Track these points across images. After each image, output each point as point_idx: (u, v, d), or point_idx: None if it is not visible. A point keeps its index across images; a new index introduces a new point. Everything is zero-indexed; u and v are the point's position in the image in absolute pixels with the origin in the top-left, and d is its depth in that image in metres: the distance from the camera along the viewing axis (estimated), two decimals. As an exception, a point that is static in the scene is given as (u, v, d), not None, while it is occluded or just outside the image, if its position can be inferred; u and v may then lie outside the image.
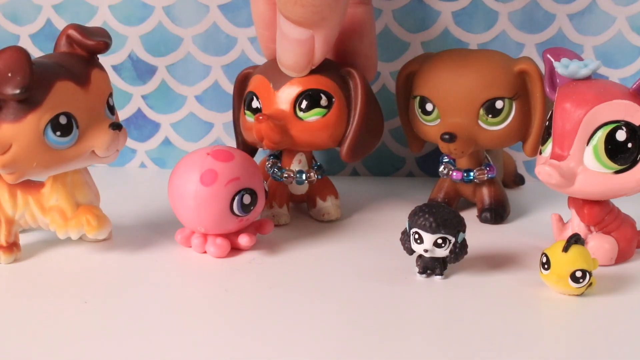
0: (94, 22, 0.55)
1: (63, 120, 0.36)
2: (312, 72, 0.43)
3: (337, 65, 0.45)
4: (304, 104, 0.43)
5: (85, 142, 0.37)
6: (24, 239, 0.41)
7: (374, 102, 0.45)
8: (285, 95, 0.43)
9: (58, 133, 0.36)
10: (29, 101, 0.35)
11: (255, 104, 0.44)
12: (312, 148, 0.45)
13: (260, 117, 0.41)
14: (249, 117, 0.44)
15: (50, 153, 0.36)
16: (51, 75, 0.35)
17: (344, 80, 0.44)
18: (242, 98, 0.46)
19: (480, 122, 0.43)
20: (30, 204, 0.39)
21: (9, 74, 0.34)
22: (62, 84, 0.36)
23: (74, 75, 0.36)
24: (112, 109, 0.39)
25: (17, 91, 0.34)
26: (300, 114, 0.43)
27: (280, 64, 0.42)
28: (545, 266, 0.35)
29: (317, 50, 0.40)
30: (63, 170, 0.38)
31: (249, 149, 0.47)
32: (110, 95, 0.39)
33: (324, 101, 0.43)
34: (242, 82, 0.47)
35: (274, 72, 0.43)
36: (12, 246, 0.39)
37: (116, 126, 0.37)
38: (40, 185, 0.39)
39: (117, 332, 0.31)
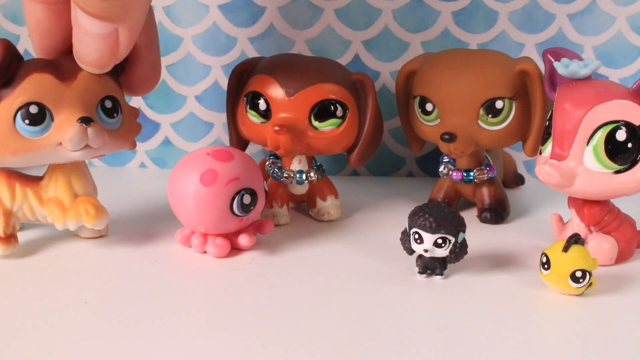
0: (94, 22, 0.55)
1: (34, 109, 0.36)
2: (326, 80, 0.43)
3: (349, 73, 0.45)
4: (320, 114, 0.43)
5: (54, 133, 0.37)
6: (22, 237, 0.41)
7: (379, 109, 0.45)
8: (301, 104, 0.43)
9: (27, 121, 0.36)
10: (3, 88, 0.36)
11: (262, 106, 0.44)
12: (324, 154, 0.45)
13: (277, 128, 0.41)
14: (254, 118, 0.44)
15: (19, 140, 0.37)
16: (30, 67, 0.37)
17: (355, 87, 0.44)
18: (239, 93, 0.46)
19: (480, 122, 0.43)
20: (29, 196, 0.39)
21: None
22: (39, 75, 0.37)
23: (57, 70, 0.37)
24: (109, 111, 0.39)
25: None
26: (316, 123, 0.43)
27: (80, 60, 0.38)
28: (545, 266, 0.35)
29: (121, 44, 0.37)
30: (35, 162, 0.38)
31: (242, 144, 0.47)
32: (110, 98, 0.39)
33: (339, 111, 0.43)
34: (238, 76, 0.46)
35: (286, 77, 0.43)
36: (10, 238, 0.39)
37: (84, 120, 0.37)
38: (39, 177, 0.40)
39: (116, 332, 0.31)
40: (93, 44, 0.36)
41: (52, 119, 0.37)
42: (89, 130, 0.37)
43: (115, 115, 0.39)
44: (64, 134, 0.37)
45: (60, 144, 0.37)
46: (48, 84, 0.37)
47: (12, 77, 0.36)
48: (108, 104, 0.39)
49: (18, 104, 0.36)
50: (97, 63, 0.37)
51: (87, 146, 0.37)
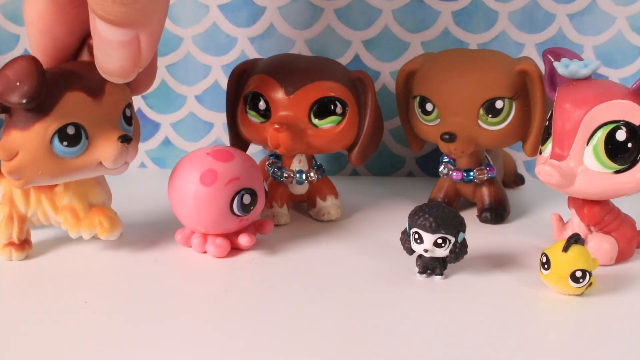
0: (94, 22, 0.55)
1: (71, 130, 0.36)
2: (326, 78, 0.43)
3: (348, 71, 0.45)
4: (319, 112, 0.43)
5: (93, 153, 0.37)
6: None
7: (379, 107, 0.45)
8: (300, 102, 0.43)
9: (65, 143, 0.36)
10: (37, 110, 0.35)
11: (262, 105, 0.44)
12: (324, 152, 0.45)
13: (277, 126, 0.41)
14: (254, 118, 0.44)
15: (57, 162, 0.36)
16: (62, 86, 0.35)
17: (354, 85, 0.44)
18: (239, 94, 0.46)
19: (480, 122, 0.43)
20: (43, 202, 0.39)
21: (18, 83, 0.34)
22: (73, 94, 0.36)
23: (87, 86, 0.36)
24: (129, 120, 0.39)
25: (24, 101, 0.34)
26: (315, 121, 0.43)
27: (103, 71, 0.36)
28: (545, 266, 0.35)
29: (143, 50, 0.35)
30: (71, 179, 0.38)
31: (243, 144, 0.47)
32: (129, 105, 0.39)
33: (339, 109, 0.43)
34: (238, 77, 0.46)
35: (285, 76, 0.43)
36: (24, 243, 0.39)
37: (125, 139, 0.37)
38: (53, 184, 0.39)
39: (116, 332, 0.31)
40: (114, 53, 0.35)
41: (87, 138, 0.36)
42: (128, 147, 0.37)
43: (132, 122, 0.39)
44: (106, 154, 0.36)
45: (100, 163, 0.37)
46: (82, 103, 0.36)
47: (44, 97, 0.34)
48: (128, 112, 0.39)
49: (55, 126, 0.35)
50: (121, 73, 0.36)
51: (125, 162, 0.37)
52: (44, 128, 0.35)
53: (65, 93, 0.35)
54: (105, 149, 0.36)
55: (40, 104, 0.35)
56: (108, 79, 0.36)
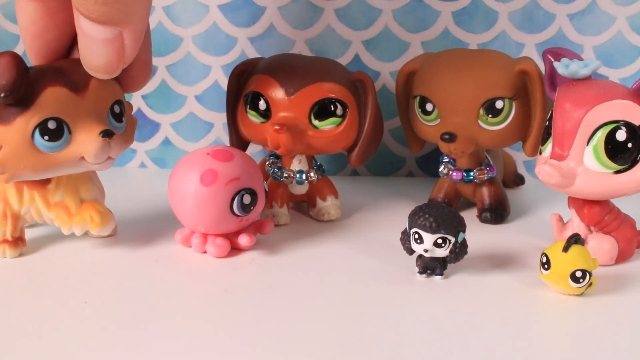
0: (94, 22, 0.55)
1: (52, 125, 0.36)
2: (326, 79, 0.43)
3: (348, 73, 0.45)
4: (320, 113, 0.43)
5: (75, 148, 0.37)
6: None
7: (379, 108, 0.45)
8: (301, 103, 0.43)
9: (46, 137, 0.36)
10: (18, 105, 0.35)
11: (262, 106, 0.44)
12: (324, 153, 0.45)
13: (278, 127, 0.41)
14: (254, 118, 0.44)
15: (39, 156, 0.36)
16: (43, 81, 0.36)
17: (355, 86, 0.44)
18: (239, 93, 0.46)
19: (480, 122, 0.43)
20: (36, 199, 0.39)
21: None
22: (54, 89, 0.36)
23: (69, 81, 0.36)
24: (118, 116, 0.39)
25: (1, 95, 0.34)
26: (316, 122, 0.43)
27: (88, 67, 0.37)
28: (545, 266, 0.35)
29: (127, 47, 0.36)
30: (54, 174, 0.38)
31: (242, 144, 0.47)
32: (118, 102, 0.39)
33: (339, 110, 0.43)
34: (238, 77, 0.46)
35: (285, 76, 0.43)
36: (18, 241, 0.39)
37: (106, 134, 0.37)
38: (46, 181, 0.39)
39: (116, 332, 0.31)
40: (98, 49, 0.36)
41: (70, 132, 0.36)
42: (111, 142, 0.37)
43: (122, 119, 0.39)
44: (87, 149, 0.36)
45: (82, 157, 0.37)
46: (64, 98, 0.36)
47: (24, 92, 0.35)
48: (117, 109, 0.39)
49: (36, 120, 0.35)
50: (106, 69, 0.36)
51: (108, 158, 0.37)
52: (25, 122, 0.35)
53: (46, 88, 0.36)
54: (87, 143, 0.36)
55: (21, 98, 0.35)
56: (93, 75, 0.37)
